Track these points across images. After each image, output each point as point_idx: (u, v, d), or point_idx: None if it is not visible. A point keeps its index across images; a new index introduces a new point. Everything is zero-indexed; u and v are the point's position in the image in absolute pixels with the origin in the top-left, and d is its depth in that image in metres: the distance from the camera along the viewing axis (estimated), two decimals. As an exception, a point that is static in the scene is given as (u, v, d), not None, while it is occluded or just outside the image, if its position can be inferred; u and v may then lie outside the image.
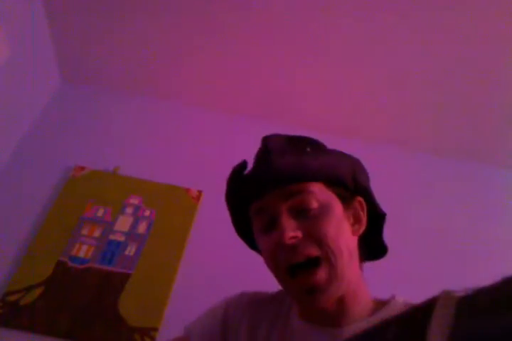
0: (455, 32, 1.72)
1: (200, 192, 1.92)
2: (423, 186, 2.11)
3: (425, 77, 1.90)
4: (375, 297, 0.79)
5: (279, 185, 0.75)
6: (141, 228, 1.81)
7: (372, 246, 0.83)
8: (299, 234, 0.70)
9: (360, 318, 0.73)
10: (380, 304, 0.77)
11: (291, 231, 0.70)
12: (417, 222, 2.00)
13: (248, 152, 2.23)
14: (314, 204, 0.73)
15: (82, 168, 1.94)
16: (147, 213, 1.85)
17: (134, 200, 1.88)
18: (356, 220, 0.78)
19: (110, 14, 1.91)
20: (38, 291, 1.64)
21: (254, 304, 0.84)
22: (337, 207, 0.75)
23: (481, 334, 0.27)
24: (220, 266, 1.77)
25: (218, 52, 1.96)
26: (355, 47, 1.84)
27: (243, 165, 0.83)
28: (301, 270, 0.69)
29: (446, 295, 0.32)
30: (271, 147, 0.82)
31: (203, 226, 1.85)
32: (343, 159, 0.82)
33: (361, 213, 0.79)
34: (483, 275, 1.81)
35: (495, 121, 2.02)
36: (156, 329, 1.60)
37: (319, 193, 0.75)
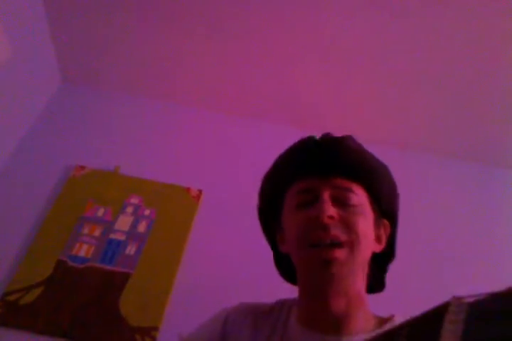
0: (456, 32, 1.71)
1: (200, 191, 1.92)
2: (423, 186, 2.11)
3: (426, 78, 1.90)
4: (374, 313, 0.80)
5: (339, 170, 0.79)
6: (142, 227, 1.81)
7: (372, 276, 0.83)
8: (336, 216, 0.74)
9: (363, 331, 0.74)
10: (382, 321, 0.78)
11: (331, 211, 0.74)
12: (417, 222, 1.99)
13: (248, 152, 2.24)
14: (354, 201, 0.77)
15: (83, 168, 1.94)
16: (147, 212, 1.85)
17: (135, 200, 1.88)
18: (378, 239, 0.81)
19: (110, 15, 1.90)
20: (38, 291, 1.64)
21: (253, 314, 0.84)
22: (370, 214, 0.80)
23: (492, 340, 0.28)
24: (221, 265, 1.77)
25: (219, 52, 1.96)
26: (355, 47, 1.84)
27: (314, 138, 0.86)
28: (324, 246, 0.72)
29: (457, 300, 0.32)
30: (350, 139, 0.86)
31: (203, 226, 1.85)
32: (390, 177, 0.87)
33: (383, 235, 0.82)
34: (486, 276, 1.80)
35: (495, 121, 2.02)
36: (156, 329, 1.60)
37: (360, 196, 0.79)
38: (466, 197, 2.11)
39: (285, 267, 0.88)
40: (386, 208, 0.83)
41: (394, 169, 2.25)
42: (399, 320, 0.77)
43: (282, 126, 2.17)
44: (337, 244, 0.72)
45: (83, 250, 1.73)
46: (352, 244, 0.73)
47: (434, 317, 0.33)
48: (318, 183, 0.78)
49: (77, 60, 2.14)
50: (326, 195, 0.76)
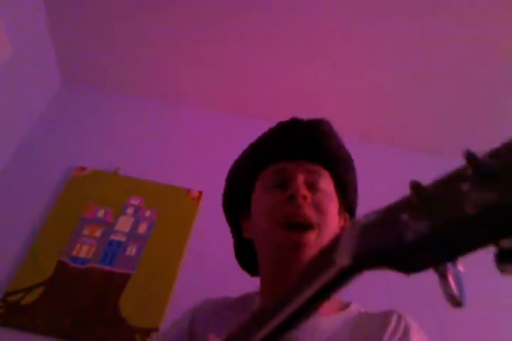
0: (455, 32, 1.72)
1: (200, 192, 1.93)
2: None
3: (426, 77, 1.90)
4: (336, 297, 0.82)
5: (314, 159, 0.83)
6: (142, 228, 1.82)
7: None
8: (309, 197, 0.77)
9: (326, 313, 0.77)
10: (343, 305, 0.82)
11: (304, 191, 0.77)
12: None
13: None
14: (325, 187, 0.81)
15: (83, 169, 1.95)
16: (148, 213, 1.86)
17: (135, 201, 1.88)
18: (340, 228, 0.84)
19: (111, 16, 1.91)
20: (38, 291, 1.64)
21: (220, 309, 0.86)
22: (336, 202, 0.83)
23: (378, 248, 0.34)
24: (221, 266, 1.77)
25: (219, 52, 1.96)
26: (355, 47, 1.84)
27: (298, 121, 0.90)
28: (295, 229, 0.75)
29: (352, 223, 0.39)
30: (327, 126, 0.88)
31: (204, 227, 1.86)
32: (355, 172, 0.91)
33: (344, 224, 0.86)
34: (483, 273, 1.80)
35: (495, 121, 2.02)
36: (156, 330, 1.60)
37: (330, 184, 0.83)
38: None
39: (246, 257, 0.91)
40: (349, 200, 0.87)
41: (394, 169, 2.26)
42: (356, 306, 0.82)
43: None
44: (308, 226, 0.75)
45: (84, 251, 1.74)
46: (320, 227, 0.76)
47: (335, 238, 0.41)
48: (292, 166, 0.82)
49: (78, 60, 2.14)
50: (300, 178, 0.79)
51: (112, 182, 1.92)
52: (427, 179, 0.35)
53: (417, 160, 2.18)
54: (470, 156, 0.28)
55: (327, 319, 0.76)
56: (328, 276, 0.39)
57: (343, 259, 0.37)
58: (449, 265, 0.32)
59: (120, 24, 1.94)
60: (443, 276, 0.32)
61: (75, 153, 2.02)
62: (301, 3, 1.73)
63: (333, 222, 0.80)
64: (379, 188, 2.05)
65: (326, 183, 0.82)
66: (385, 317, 0.77)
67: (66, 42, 2.07)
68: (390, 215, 0.35)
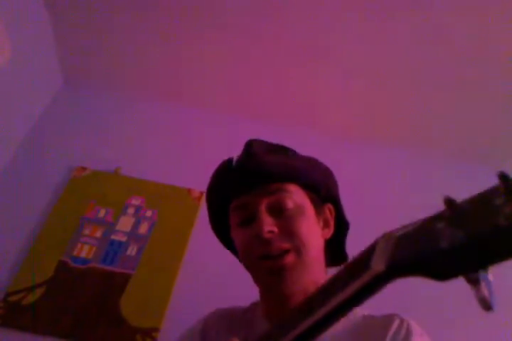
0: (455, 32, 1.71)
1: (201, 192, 1.92)
2: (424, 187, 2.11)
3: (426, 77, 1.90)
4: None
5: (262, 182, 0.81)
6: (143, 228, 1.81)
7: (335, 253, 0.89)
8: (276, 229, 0.77)
9: None
10: None
11: (269, 226, 0.76)
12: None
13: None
14: (290, 205, 0.80)
15: (84, 169, 1.94)
16: (149, 213, 1.85)
17: (136, 201, 1.88)
18: (326, 225, 0.86)
19: (112, 16, 1.91)
20: (39, 291, 1.64)
21: (229, 319, 0.88)
22: (310, 210, 0.82)
23: (413, 255, 0.36)
24: (222, 266, 1.76)
25: (219, 53, 1.96)
26: (355, 47, 1.84)
27: (230, 161, 0.89)
28: (272, 258, 0.76)
29: (388, 234, 0.41)
30: (256, 147, 0.86)
31: (205, 227, 1.84)
32: (319, 166, 0.89)
33: (330, 218, 0.86)
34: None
35: (495, 121, 2.02)
36: (157, 330, 1.60)
37: (295, 194, 0.81)
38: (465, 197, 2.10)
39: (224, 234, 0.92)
40: (325, 194, 0.86)
41: (394, 169, 2.25)
42: (358, 310, 0.80)
43: (284, 127, 2.17)
44: (283, 253, 0.76)
45: (84, 251, 1.74)
46: (298, 248, 0.76)
47: (370, 248, 0.43)
48: (251, 197, 0.81)
49: (79, 61, 2.14)
50: (262, 208, 0.79)
51: (113, 182, 1.92)
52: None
53: (422, 161, 2.17)
54: (503, 176, 0.33)
55: None
56: (362, 281, 0.41)
57: (378, 265, 0.39)
58: (481, 272, 0.34)
59: (120, 24, 1.94)
60: (475, 283, 0.35)
61: (76, 153, 2.02)
62: (300, 4, 1.73)
63: (311, 234, 0.80)
64: (389, 190, 2.05)
65: (291, 197, 0.81)
66: (387, 320, 0.77)
67: (66, 43, 2.07)
68: (426, 226, 0.37)
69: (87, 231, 1.78)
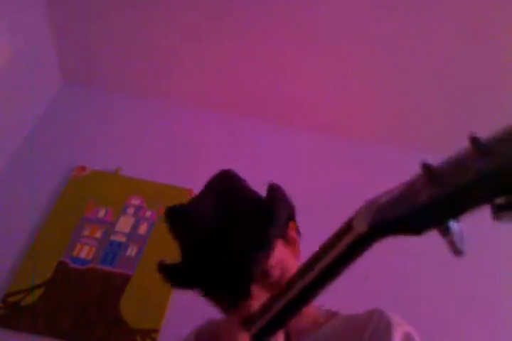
0: (455, 31, 1.71)
1: (201, 192, 1.92)
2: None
3: (426, 77, 1.89)
4: (319, 308, 0.84)
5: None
6: (143, 229, 1.81)
7: None
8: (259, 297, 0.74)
9: (307, 330, 0.79)
10: (330, 314, 0.83)
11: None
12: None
13: (250, 153, 2.23)
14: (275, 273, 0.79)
15: (84, 169, 1.94)
16: (148, 214, 1.85)
17: (136, 201, 1.88)
18: (294, 243, 0.86)
19: (111, 15, 1.91)
20: (39, 292, 1.63)
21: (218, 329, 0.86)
22: (282, 252, 0.81)
23: (392, 216, 0.41)
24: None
25: (219, 53, 1.96)
26: (354, 47, 1.83)
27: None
28: None
29: (369, 200, 0.46)
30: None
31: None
32: (280, 198, 0.85)
33: (295, 236, 0.87)
34: (486, 274, 1.77)
35: (495, 121, 2.01)
36: (157, 331, 1.59)
37: (275, 257, 0.79)
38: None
39: None
40: (287, 219, 0.85)
41: (393, 169, 2.24)
42: (341, 315, 0.83)
43: (284, 127, 2.16)
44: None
45: (84, 251, 1.73)
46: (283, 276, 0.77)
47: (354, 215, 0.47)
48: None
49: (78, 60, 2.14)
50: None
51: (113, 182, 1.91)
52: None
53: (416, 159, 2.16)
54: (473, 138, 0.38)
55: (306, 337, 0.78)
56: (347, 241, 0.45)
57: (361, 226, 0.44)
58: (453, 222, 0.40)
59: (120, 24, 1.93)
60: (447, 232, 0.39)
61: (76, 153, 2.01)
62: (299, 5, 1.73)
63: (285, 262, 0.80)
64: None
65: (273, 263, 0.79)
66: (367, 315, 0.78)
67: (66, 43, 2.07)
68: (405, 188, 0.42)
69: (86, 232, 1.78)
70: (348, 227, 0.46)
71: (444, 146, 2.18)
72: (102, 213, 1.83)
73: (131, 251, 1.75)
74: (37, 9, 1.90)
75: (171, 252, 1.81)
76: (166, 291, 1.68)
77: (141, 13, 1.88)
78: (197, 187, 1.92)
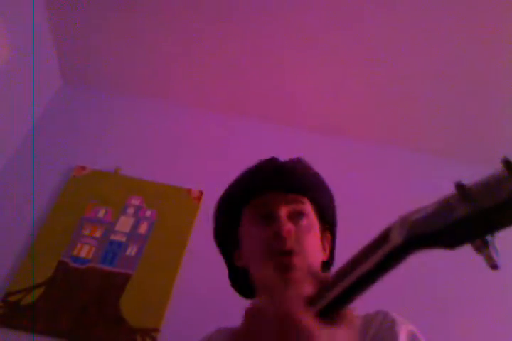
0: (455, 31, 1.72)
1: (201, 192, 1.92)
2: (424, 188, 2.10)
3: (424, 77, 1.90)
4: None
5: (292, 191, 0.88)
6: (143, 228, 1.81)
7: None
8: (293, 229, 0.83)
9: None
10: None
11: (289, 226, 0.83)
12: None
13: (250, 153, 2.23)
14: (305, 220, 0.87)
15: (84, 168, 1.94)
16: (148, 213, 1.85)
17: (135, 201, 1.88)
18: (324, 248, 0.91)
19: (112, 16, 1.91)
20: (39, 291, 1.64)
21: (229, 338, 0.87)
22: (317, 230, 0.89)
23: (428, 230, 0.43)
24: (221, 266, 1.76)
25: (219, 52, 1.96)
26: (353, 47, 1.84)
27: (274, 160, 0.97)
28: (282, 255, 0.82)
29: (404, 216, 0.47)
30: (297, 159, 0.96)
31: (204, 227, 1.84)
32: (328, 188, 0.97)
33: (327, 245, 0.92)
34: (486, 275, 1.78)
35: (495, 121, 2.02)
36: (157, 330, 1.59)
37: (311, 214, 0.89)
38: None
39: (241, 282, 0.97)
40: (328, 218, 0.93)
41: (392, 169, 2.25)
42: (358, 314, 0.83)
43: (284, 127, 2.17)
44: (292, 253, 0.81)
45: (84, 251, 1.74)
46: (303, 253, 0.82)
47: (387, 228, 0.48)
48: (273, 198, 0.87)
49: (78, 61, 2.14)
50: (283, 211, 0.85)
51: (113, 182, 1.92)
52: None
53: (419, 161, 2.17)
54: (506, 161, 0.40)
55: None
56: (382, 253, 0.46)
57: (396, 239, 0.45)
58: (489, 237, 0.42)
59: (120, 24, 1.94)
60: (483, 247, 0.42)
61: (75, 153, 2.02)
62: (299, 5, 1.73)
63: (314, 247, 0.86)
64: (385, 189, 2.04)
65: (308, 209, 0.88)
66: (372, 315, 0.80)
67: (67, 43, 2.07)
68: (439, 205, 0.44)
69: (86, 231, 1.78)
70: (384, 239, 0.48)
71: (444, 147, 2.20)
72: (101, 213, 1.84)
73: (131, 250, 1.75)
74: (37, 9, 1.91)
75: (171, 251, 1.83)
76: (166, 290, 1.68)
77: (141, 14, 1.88)
78: (196, 187, 1.94)
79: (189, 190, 1.93)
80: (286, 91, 2.08)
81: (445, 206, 0.43)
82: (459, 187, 0.42)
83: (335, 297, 0.51)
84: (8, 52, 1.79)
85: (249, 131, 2.17)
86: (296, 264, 0.80)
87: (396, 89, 1.97)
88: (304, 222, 0.86)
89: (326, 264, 0.93)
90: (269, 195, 0.88)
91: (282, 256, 0.81)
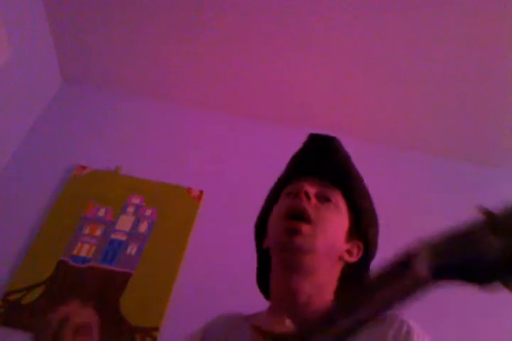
0: (456, 31, 1.72)
1: (201, 191, 1.93)
2: (424, 188, 2.10)
3: (425, 77, 1.90)
4: None
5: (334, 179, 0.89)
6: (143, 227, 1.81)
7: (350, 279, 0.90)
8: (314, 198, 0.84)
9: None
10: None
11: (310, 189, 0.84)
12: (415, 222, 1.99)
13: (250, 153, 2.24)
14: (335, 201, 0.86)
15: (84, 168, 1.94)
16: (148, 212, 1.85)
17: (136, 200, 1.88)
18: (348, 251, 0.88)
19: (111, 14, 1.91)
20: (39, 290, 1.64)
21: (230, 327, 0.88)
22: (344, 222, 0.87)
23: (458, 261, 0.40)
24: (221, 266, 1.77)
25: (219, 52, 1.96)
26: (355, 47, 1.84)
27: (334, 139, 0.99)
28: (293, 218, 0.82)
29: (427, 241, 0.44)
30: (344, 149, 0.98)
31: (204, 226, 1.85)
32: (373, 208, 0.96)
33: (355, 253, 0.89)
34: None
35: (496, 122, 2.02)
36: (157, 329, 1.60)
37: (342, 204, 0.88)
38: (466, 199, 2.10)
39: (264, 277, 0.94)
40: (363, 227, 0.90)
41: (392, 169, 2.24)
42: None
43: (284, 127, 2.17)
44: (303, 218, 0.81)
45: (84, 250, 1.74)
46: (317, 224, 0.82)
47: (410, 253, 0.45)
48: (306, 180, 0.88)
49: (78, 60, 2.14)
50: (310, 188, 0.86)
51: (113, 181, 1.92)
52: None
53: (419, 161, 2.17)
54: None
55: None
56: (405, 283, 0.43)
57: (421, 269, 0.42)
58: None
59: (120, 24, 1.94)
60: None
61: (76, 152, 2.01)
62: (299, 4, 1.73)
63: (333, 227, 0.85)
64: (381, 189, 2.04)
65: (338, 199, 0.87)
66: (388, 321, 0.78)
67: (66, 42, 2.06)
68: (468, 234, 0.40)
69: (86, 230, 1.78)
70: (405, 266, 0.44)
71: (444, 147, 2.20)
72: (102, 212, 1.84)
73: (132, 249, 1.76)
74: (36, 8, 1.90)
75: (171, 250, 1.83)
76: (166, 289, 1.68)
77: (142, 14, 1.88)
78: (196, 186, 1.94)
79: (189, 189, 1.93)
80: (287, 92, 2.07)
81: (472, 236, 0.40)
82: (488, 216, 0.39)
83: (351, 324, 0.46)
84: (7, 52, 1.78)
85: (249, 131, 2.17)
86: (304, 231, 0.80)
87: (396, 90, 1.97)
88: (333, 200, 0.86)
89: (351, 267, 0.89)
90: (303, 177, 0.89)
91: (293, 220, 0.81)
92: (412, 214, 1.99)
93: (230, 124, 2.17)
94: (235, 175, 1.98)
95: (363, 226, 0.90)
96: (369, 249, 0.91)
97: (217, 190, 1.95)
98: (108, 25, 1.96)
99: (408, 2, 1.66)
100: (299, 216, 0.81)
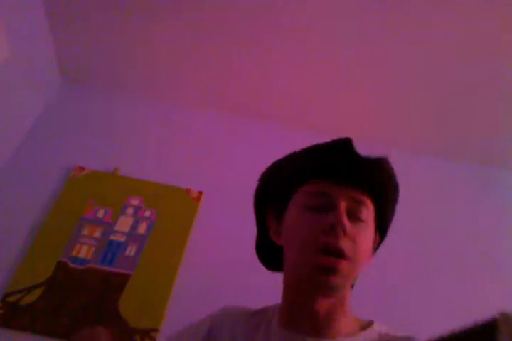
0: (455, 31, 1.72)
1: (200, 193, 1.93)
2: (424, 189, 2.11)
3: (425, 77, 1.90)
4: (355, 316, 0.81)
5: (359, 185, 0.78)
6: (142, 228, 1.81)
7: None
8: (349, 227, 0.74)
9: (345, 334, 0.75)
10: (364, 324, 0.79)
11: (347, 225, 0.73)
12: (416, 223, 1.99)
13: (249, 153, 2.24)
14: (365, 217, 0.77)
15: (83, 169, 1.94)
16: (147, 214, 1.85)
17: (135, 201, 1.88)
18: (373, 251, 0.83)
19: (111, 14, 1.91)
20: (38, 292, 1.64)
21: (236, 317, 0.86)
22: (372, 230, 0.80)
23: None
24: (220, 266, 1.77)
25: (219, 52, 1.96)
26: (354, 47, 1.84)
27: (350, 142, 0.82)
28: (331, 255, 0.73)
29: (505, 315, 0.40)
30: (384, 159, 0.83)
31: (204, 227, 1.85)
32: (396, 201, 0.86)
33: (373, 247, 0.83)
34: (492, 277, 1.78)
35: (496, 121, 2.02)
36: (156, 330, 1.60)
37: (370, 213, 0.79)
38: (467, 199, 2.10)
39: (267, 253, 0.87)
40: (384, 225, 0.84)
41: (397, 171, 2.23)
42: (378, 326, 0.79)
43: (284, 127, 2.17)
44: (341, 255, 0.72)
45: (83, 251, 1.74)
46: (353, 258, 0.73)
47: (488, 329, 0.41)
48: (335, 190, 0.77)
49: (77, 60, 2.14)
50: (343, 206, 0.75)
51: (112, 183, 1.92)
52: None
53: (419, 162, 2.18)
54: None
55: (345, 340, 0.74)
56: None
57: None
58: None
59: (120, 24, 1.93)
60: None
61: (74, 153, 2.01)
62: (300, 5, 1.73)
63: (365, 252, 0.78)
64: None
65: (369, 213, 0.78)
66: (402, 340, 0.75)
67: (66, 42, 2.06)
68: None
69: (85, 232, 1.78)
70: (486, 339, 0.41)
71: (444, 147, 2.20)
72: (101, 213, 1.84)
73: (131, 250, 1.76)
74: (36, 8, 1.90)
75: (170, 252, 1.83)
76: (166, 290, 1.68)
77: (142, 13, 1.88)
78: (195, 187, 1.94)
79: (188, 190, 1.93)
80: (287, 92, 2.08)
81: None
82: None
83: None
84: (6, 51, 1.78)
85: (249, 132, 2.17)
86: (342, 269, 0.72)
87: (396, 90, 1.98)
88: (364, 217, 0.77)
89: None
90: (331, 183, 0.77)
91: (330, 257, 0.72)
92: (412, 214, 2.00)
93: (230, 125, 2.18)
94: (234, 176, 1.98)
95: (384, 223, 0.84)
96: (383, 238, 0.87)
97: (216, 190, 1.95)
98: (107, 25, 1.95)
99: (406, 4, 1.66)
100: (336, 254, 0.72)
